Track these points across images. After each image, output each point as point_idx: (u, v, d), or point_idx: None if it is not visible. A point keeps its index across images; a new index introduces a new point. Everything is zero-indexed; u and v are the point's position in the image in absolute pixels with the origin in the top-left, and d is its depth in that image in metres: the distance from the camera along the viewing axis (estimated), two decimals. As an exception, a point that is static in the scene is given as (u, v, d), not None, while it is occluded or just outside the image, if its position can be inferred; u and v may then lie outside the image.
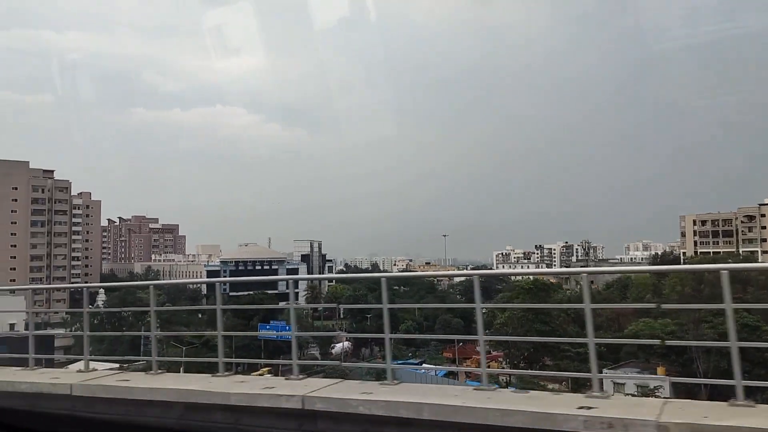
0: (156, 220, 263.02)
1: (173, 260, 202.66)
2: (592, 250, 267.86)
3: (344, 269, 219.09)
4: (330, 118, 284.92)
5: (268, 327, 75.19)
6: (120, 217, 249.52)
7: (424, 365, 57.96)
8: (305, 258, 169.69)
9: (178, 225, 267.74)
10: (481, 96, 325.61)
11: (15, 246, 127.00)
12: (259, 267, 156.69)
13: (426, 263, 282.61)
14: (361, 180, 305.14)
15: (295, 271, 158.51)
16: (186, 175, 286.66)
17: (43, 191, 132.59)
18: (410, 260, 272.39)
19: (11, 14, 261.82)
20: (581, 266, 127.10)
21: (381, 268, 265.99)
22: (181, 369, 25.94)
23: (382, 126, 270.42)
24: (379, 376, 43.33)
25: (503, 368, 55.81)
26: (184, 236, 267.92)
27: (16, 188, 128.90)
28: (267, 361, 57.44)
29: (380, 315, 6.84)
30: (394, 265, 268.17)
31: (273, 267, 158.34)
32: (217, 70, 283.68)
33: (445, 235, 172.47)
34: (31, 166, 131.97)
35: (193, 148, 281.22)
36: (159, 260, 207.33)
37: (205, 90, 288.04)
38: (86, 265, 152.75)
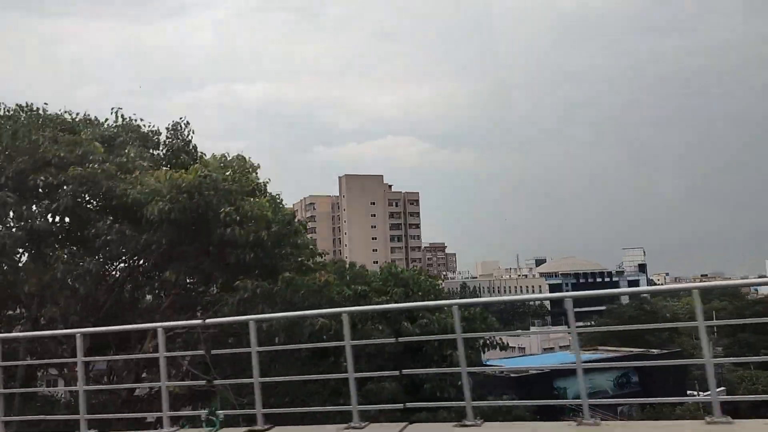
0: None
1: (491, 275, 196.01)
2: None
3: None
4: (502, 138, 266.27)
5: None
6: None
7: None
8: (642, 268, 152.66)
9: (444, 243, 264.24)
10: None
11: (377, 262, 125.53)
12: (599, 279, 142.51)
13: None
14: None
15: (635, 283, 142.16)
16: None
17: (396, 204, 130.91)
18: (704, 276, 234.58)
19: (209, 74, 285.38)
20: None
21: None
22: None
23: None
24: None
25: None
26: (454, 254, 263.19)
27: (374, 203, 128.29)
28: None
29: None
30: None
31: (613, 279, 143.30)
32: (387, 103, 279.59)
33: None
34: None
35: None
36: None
37: (376, 123, 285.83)
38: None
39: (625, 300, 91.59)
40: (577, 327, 5.61)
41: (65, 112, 14.97)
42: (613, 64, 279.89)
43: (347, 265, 22.11)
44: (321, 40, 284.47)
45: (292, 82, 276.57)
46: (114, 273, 15.07)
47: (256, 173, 14.49)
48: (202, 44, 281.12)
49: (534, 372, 36.87)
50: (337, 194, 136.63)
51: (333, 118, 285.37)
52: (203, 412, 6.49)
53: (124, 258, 14.40)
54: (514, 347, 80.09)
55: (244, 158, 14.37)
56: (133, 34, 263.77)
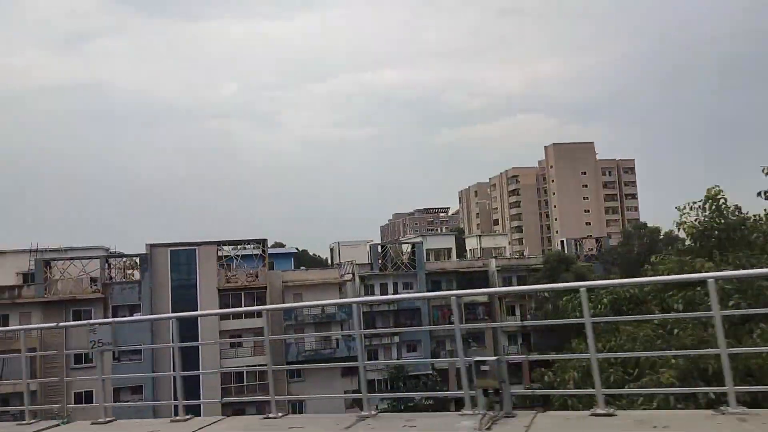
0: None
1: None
2: None
3: None
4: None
5: None
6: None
7: None
8: None
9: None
10: None
11: (590, 236, 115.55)
12: None
13: None
14: None
15: None
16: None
17: (610, 174, 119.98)
18: None
19: (335, 64, 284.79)
20: None
21: None
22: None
23: None
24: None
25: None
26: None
27: (585, 173, 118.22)
28: None
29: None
30: None
31: None
32: (513, 81, 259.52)
33: None
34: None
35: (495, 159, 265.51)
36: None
37: (503, 101, 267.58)
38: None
39: None
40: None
41: None
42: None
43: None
44: (441, 23, 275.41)
45: (415, 67, 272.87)
46: None
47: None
48: (330, 36, 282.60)
49: None
50: (531, 167, 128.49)
51: (458, 98, 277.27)
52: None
53: None
54: None
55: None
56: (266, 30, 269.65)
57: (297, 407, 46.55)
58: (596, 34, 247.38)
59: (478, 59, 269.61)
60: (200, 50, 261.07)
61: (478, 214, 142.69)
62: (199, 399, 45.06)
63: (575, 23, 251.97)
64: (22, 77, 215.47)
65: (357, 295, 52.45)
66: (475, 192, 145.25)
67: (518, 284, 56.78)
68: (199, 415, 6.61)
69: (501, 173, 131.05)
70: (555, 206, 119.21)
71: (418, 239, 60.25)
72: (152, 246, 46.61)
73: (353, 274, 53.06)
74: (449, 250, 60.88)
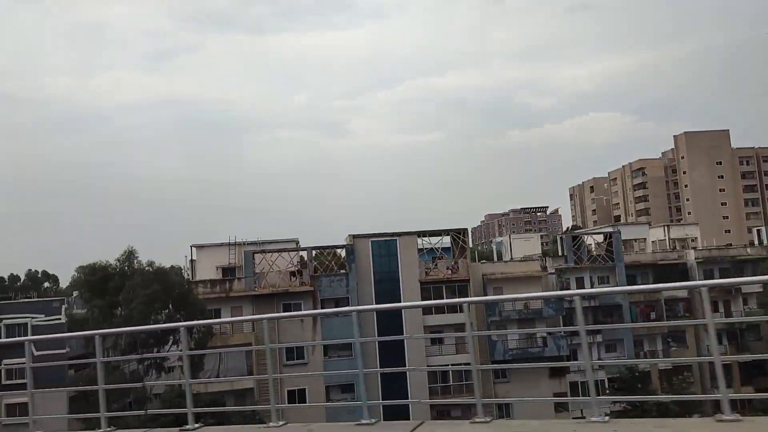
0: None
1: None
2: None
3: None
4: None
5: None
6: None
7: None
8: None
9: None
10: None
11: (729, 231, 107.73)
12: None
13: None
14: None
15: None
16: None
17: (748, 163, 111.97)
18: None
19: (401, 70, 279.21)
20: None
21: None
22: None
23: None
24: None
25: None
26: None
27: (720, 163, 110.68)
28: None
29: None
30: None
31: None
32: (584, 79, 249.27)
33: None
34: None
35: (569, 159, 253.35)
36: None
37: (574, 100, 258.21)
38: None
39: None
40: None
41: None
42: None
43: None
44: (509, 23, 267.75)
45: (483, 69, 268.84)
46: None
47: None
48: (396, 43, 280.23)
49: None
50: (660, 157, 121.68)
51: (526, 99, 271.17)
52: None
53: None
54: None
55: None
56: (336, 40, 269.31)
57: (504, 409, 43.42)
58: (671, 25, 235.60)
59: (547, 58, 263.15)
60: (271, 63, 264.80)
61: (594, 210, 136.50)
62: (408, 398, 42.40)
63: (648, 16, 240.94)
64: (106, 96, 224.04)
65: (553, 290, 48.77)
66: (591, 187, 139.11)
67: (720, 277, 51.89)
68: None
69: (623, 166, 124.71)
70: (688, 199, 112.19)
71: (609, 228, 56.10)
72: (355, 237, 44.55)
73: (544, 268, 49.49)
74: (629, 242, 56.52)
